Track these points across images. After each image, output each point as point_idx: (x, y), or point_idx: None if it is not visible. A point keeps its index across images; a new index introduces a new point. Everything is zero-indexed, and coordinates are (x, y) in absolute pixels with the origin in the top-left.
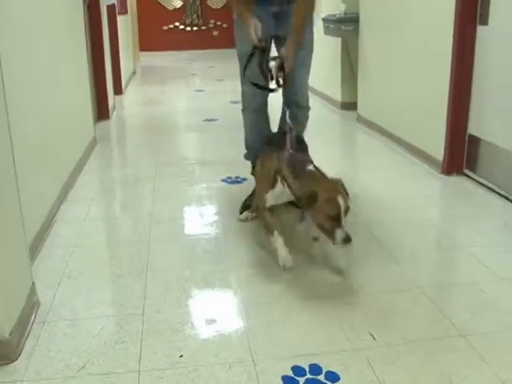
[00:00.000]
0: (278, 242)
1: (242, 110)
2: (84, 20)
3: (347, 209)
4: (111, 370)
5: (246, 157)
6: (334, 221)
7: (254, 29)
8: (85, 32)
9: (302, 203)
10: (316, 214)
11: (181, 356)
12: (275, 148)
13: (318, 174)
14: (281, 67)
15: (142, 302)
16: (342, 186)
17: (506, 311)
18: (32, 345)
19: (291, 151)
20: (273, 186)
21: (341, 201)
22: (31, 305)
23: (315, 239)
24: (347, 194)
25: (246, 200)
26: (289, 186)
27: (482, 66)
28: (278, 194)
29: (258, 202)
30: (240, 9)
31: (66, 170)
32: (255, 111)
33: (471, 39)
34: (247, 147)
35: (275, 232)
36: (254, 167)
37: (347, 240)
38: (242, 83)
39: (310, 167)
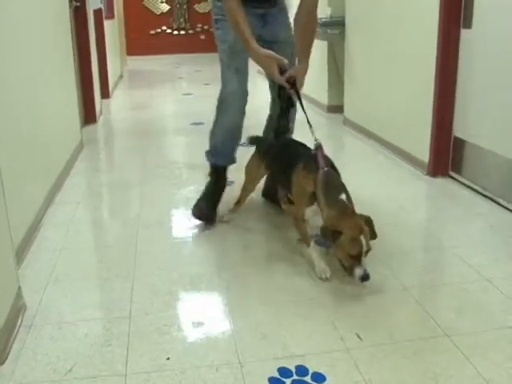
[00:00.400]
0: (314, 254)
1: (220, 109)
2: (70, 25)
3: (368, 250)
4: (98, 373)
5: (209, 158)
6: (354, 259)
7: (277, 64)
8: (71, 36)
9: (325, 235)
10: (337, 249)
11: (167, 359)
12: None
13: (349, 208)
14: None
15: (128, 304)
16: (370, 224)
17: (489, 311)
18: (18, 349)
19: (326, 169)
20: (309, 205)
21: (363, 241)
22: (17, 309)
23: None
24: (374, 233)
25: (198, 202)
26: (320, 208)
27: (466, 68)
28: (315, 210)
29: (296, 214)
30: (247, 38)
31: (53, 172)
32: (238, 114)
33: (455, 42)
34: (215, 149)
35: (312, 243)
36: (213, 169)
37: (366, 278)
38: (225, 80)
39: (342, 196)
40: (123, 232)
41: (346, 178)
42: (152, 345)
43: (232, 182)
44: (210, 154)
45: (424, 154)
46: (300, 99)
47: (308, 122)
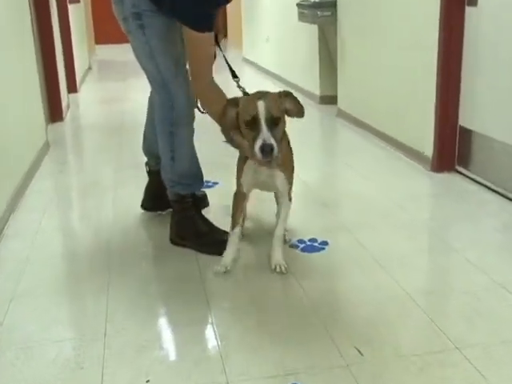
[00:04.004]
0: (231, 243)
1: (177, 125)
2: (30, 10)
3: (273, 118)
4: None
5: (180, 189)
6: (253, 129)
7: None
8: (31, 24)
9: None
10: (238, 125)
11: (147, 381)
12: None
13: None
14: None
15: (103, 321)
16: (288, 96)
17: (504, 321)
18: None
19: None
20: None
21: (261, 104)
22: None
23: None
24: (299, 106)
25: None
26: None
27: (472, 50)
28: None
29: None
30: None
31: (14, 177)
32: (192, 125)
33: (459, 22)
34: (194, 177)
35: (236, 230)
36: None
37: (265, 148)
38: (174, 91)
39: None
40: (95, 241)
41: (340, 174)
42: (130, 366)
43: (215, 183)
44: (181, 185)
45: (427, 147)
46: (221, 49)
47: (229, 65)
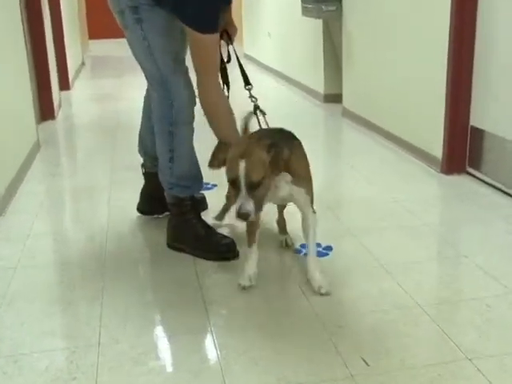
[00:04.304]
0: (250, 259)
1: (176, 124)
2: (20, 3)
3: (252, 182)
4: None
5: (179, 192)
6: (235, 190)
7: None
8: (21, 18)
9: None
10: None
11: None
12: None
13: (263, 134)
14: None
15: (97, 331)
16: (275, 149)
17: None
18: None
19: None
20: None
21: (240, 165)
22: None
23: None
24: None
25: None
26: None
27: (484, 46)
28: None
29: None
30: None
31: (4, 179)
32: (192, 124)
33: (472, 15)
34: (193, 179)
35: (253, 247)
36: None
37: (239, 215)
38: (174, 89)
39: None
40: (89, 246)
41: (345, 176)
42: (125, 377)
43: (215, 186)
44: (179, 187)
45: (436, 147)
46: (236, 53)
47: (242, 71)
